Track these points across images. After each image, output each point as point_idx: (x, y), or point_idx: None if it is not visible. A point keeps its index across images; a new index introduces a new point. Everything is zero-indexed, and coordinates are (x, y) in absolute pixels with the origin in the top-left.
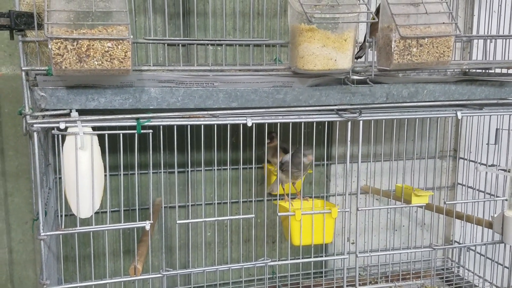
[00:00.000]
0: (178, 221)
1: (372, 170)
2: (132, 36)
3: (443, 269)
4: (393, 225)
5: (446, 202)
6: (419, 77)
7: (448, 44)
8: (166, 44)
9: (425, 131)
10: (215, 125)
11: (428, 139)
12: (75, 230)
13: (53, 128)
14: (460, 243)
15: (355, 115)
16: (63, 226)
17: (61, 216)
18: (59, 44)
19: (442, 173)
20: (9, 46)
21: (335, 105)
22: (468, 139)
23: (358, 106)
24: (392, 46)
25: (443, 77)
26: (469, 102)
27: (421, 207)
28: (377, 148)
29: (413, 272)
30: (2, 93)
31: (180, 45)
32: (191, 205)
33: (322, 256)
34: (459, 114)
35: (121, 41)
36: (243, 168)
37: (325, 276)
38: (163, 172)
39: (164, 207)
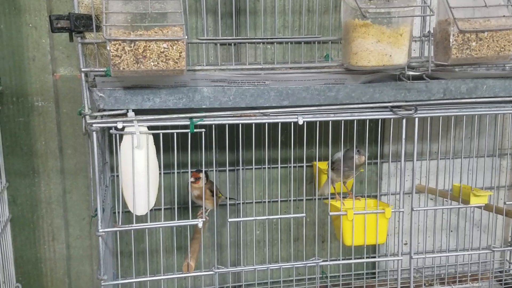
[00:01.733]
0: (229, 219)
1: (426, 169)
2: (187, 37)
3: (501, 272)
4: (448, 226)
5: (506, 203)
6: (477, 72)
7: (509, 37)
8: (218, 44)
9: (483, 128)
10: (266, 124)
11: (487, 137)
12: (131, 227)
13: (111, 128)
14: None
15: (410, 112)
16: (120, 223)
17: (118, 213)
18: (117, 45)
19: (501, 172)
20: (66, 48)
21: (389, 102)
22: None
23: (414, 103)
24: (451, 40)
25: (503, 72)
26: None
27: (479, 207)
28: (433, 146)
29: (470, 274)
30: (60, 94)
31: (232, 44)
32: (241, 203)
33: (374, 257)
34: None
35: (176, 41)
36: (293, 167)
37: (373, 278)
38: (214, 170)
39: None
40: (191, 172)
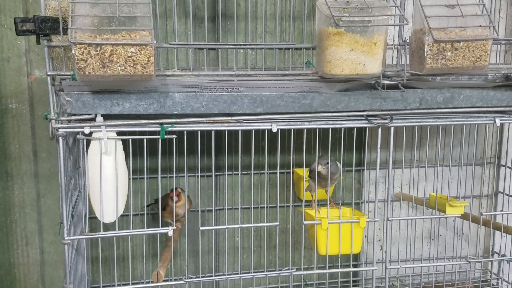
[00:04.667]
0: (201, 228)
1: (407, 177)
2: (155, 41)
3: (483, 281)
4: (429, 234)
5: (483, 213)
6: (455, 82)
7: (485, 48)
8: (196, 49)
9: (464, 137)
10: (240, 131)
11: (466, 145)
12: (98, 234)
13: (78, 133)
14: (500, 254)
15: (386, 121)
16: (86, 231)
17: (85, 220)
18: (82, 49)
19: (482, 181)
20: (42, 49)
21: (365, 110)
22: (511, 146)
23: (389, 112)
24: (425, 50)
25: (481, 82)
26: (508, 108)
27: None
28: (413, 155)
29: (450, 283)
30: (35, 96)
31: (208, 49)
32: (220, 209)
33: (352, 265)
34: (498, 121)
35: (144, 46)
36: (272, 173)
37: (356, 286)
38: (190, 176)
39: (192, 211)
40: (171, 192)
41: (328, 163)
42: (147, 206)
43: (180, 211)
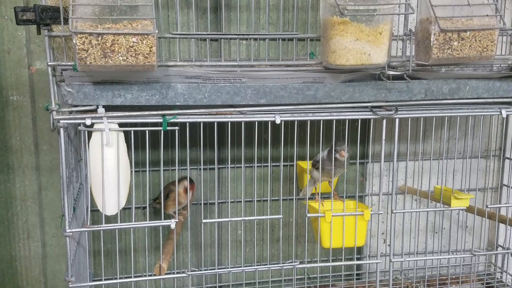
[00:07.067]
0: (203, 220)
1: (411, 170)
2: (157, 31)
3: (488, 274)
4: (433, 227)
5: (488, 206)
6: (461, 73)
7: (492, 37)
8: (199, 39)
9: (468, 129)
10: (243, 122)
11: (471, 138)
12: (100, 227)
13: (79, 124)
14: (504, 248)
15: (390, 112)
16: (88, 223)
17: (87, 213)
18: (83, 39)
19: (487, 174)
20: (43, 41)
21: (369, 102)
22: None
23: (394, 103)
24: (431, 39)
25: (487, 72)
26: None
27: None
28: (417, 147)
29: (454, 276)
30: (36, 88)
31: (210, 40)
32: (222, 202)
33: (355, 258)
34: (504, 112)
35: (146, 36)
36: (275, 166)
37: (360, 279)
38: (193, 168)
39: (194, 204)
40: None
41: (343, 147)
42: (149, 205)
43: (183, 199)
